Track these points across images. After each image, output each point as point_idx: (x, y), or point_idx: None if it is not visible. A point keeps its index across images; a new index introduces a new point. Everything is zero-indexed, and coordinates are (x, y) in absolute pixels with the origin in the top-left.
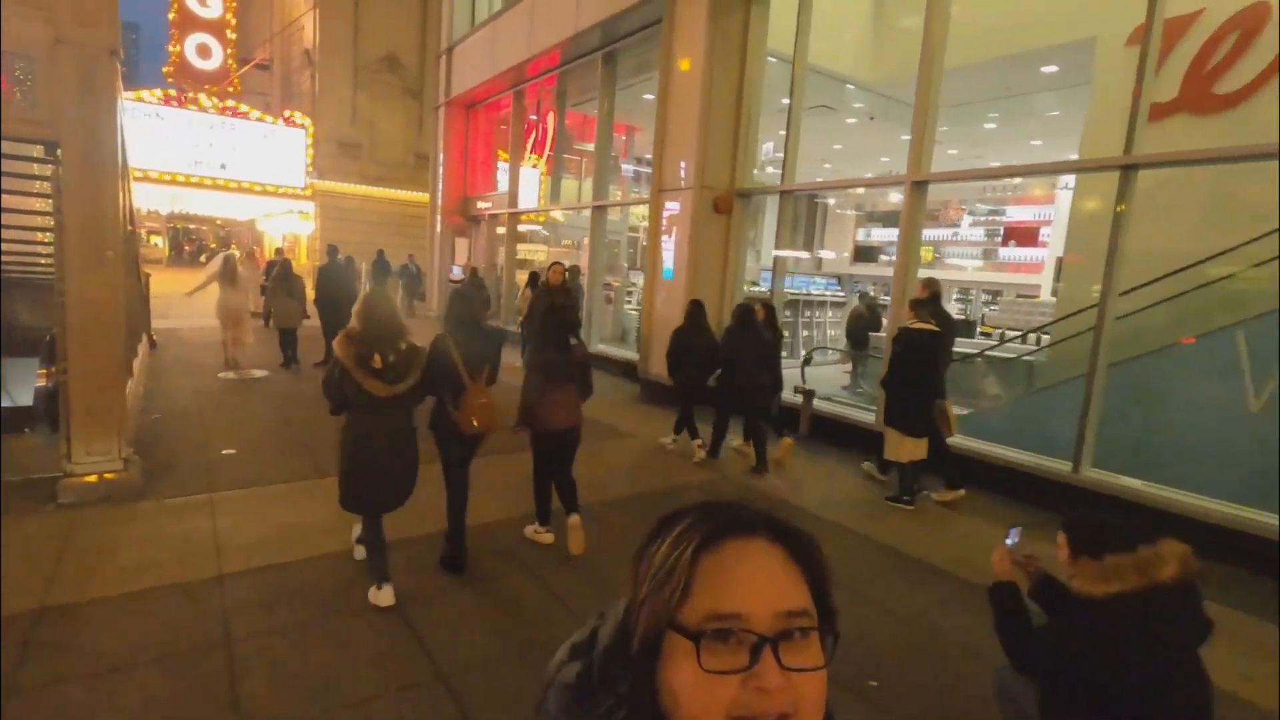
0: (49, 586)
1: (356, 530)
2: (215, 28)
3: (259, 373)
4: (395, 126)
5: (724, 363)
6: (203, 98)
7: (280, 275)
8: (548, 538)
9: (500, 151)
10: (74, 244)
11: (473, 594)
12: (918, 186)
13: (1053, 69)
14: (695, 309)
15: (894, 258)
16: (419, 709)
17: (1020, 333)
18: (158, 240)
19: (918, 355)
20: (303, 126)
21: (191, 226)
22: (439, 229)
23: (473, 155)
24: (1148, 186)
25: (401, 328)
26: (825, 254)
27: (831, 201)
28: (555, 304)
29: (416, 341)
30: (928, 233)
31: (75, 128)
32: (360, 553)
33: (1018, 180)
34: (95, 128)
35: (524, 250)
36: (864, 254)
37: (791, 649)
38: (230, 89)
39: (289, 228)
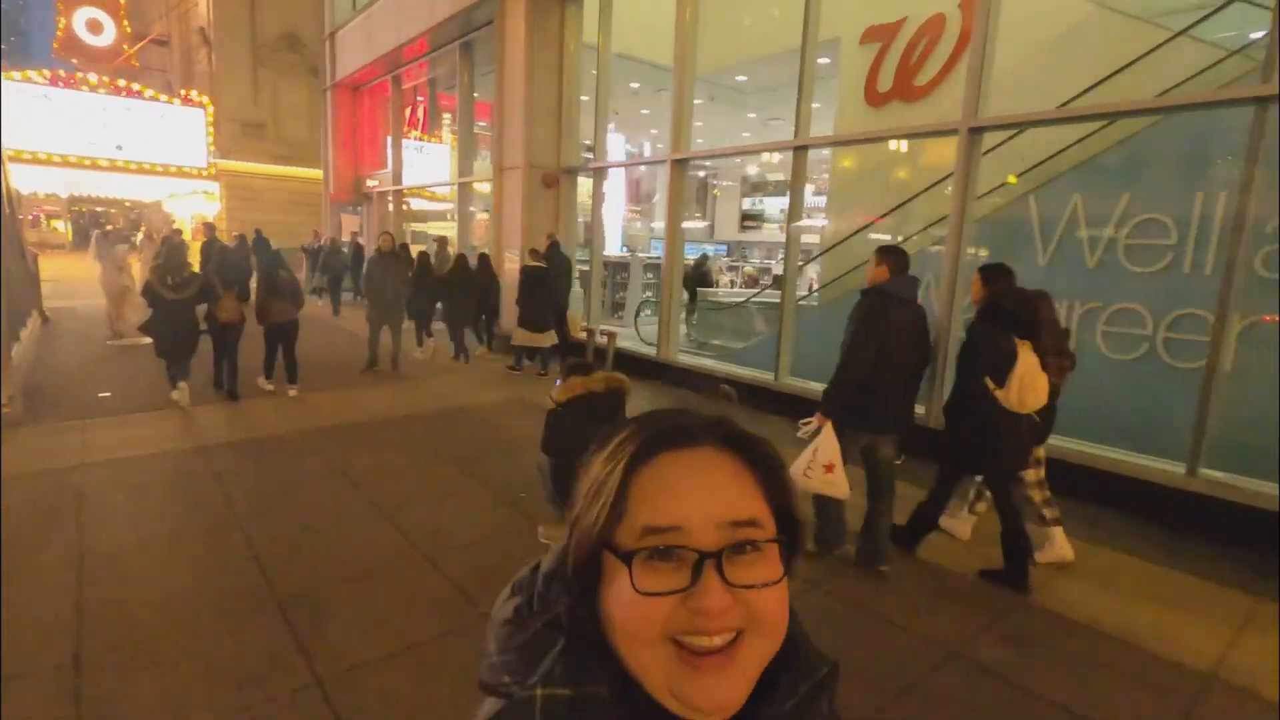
0: None
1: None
2: (106, 2)
3: (147, 340)
4: (300, 105)
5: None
6: (91, 76)
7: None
8: (269, 387)
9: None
10: None
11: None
12: (678, 164)
13: (825, 60)
14: (422, 259)
15: (777, 224)
16: (207, 516)
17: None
18: (59, 224)
19: (530, 282)
20: (201, 106)
21: (99, 209)
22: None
23: (361, 135)
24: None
25: (184, 262)
26: (666, 224)
27: (702, 174)
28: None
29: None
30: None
31: None
32: (181, 395)
33: None
34: None
35: (435, 226)
36: (749, 221)
37: (741, 564)
38: (127, 66)
39: (196, 208)
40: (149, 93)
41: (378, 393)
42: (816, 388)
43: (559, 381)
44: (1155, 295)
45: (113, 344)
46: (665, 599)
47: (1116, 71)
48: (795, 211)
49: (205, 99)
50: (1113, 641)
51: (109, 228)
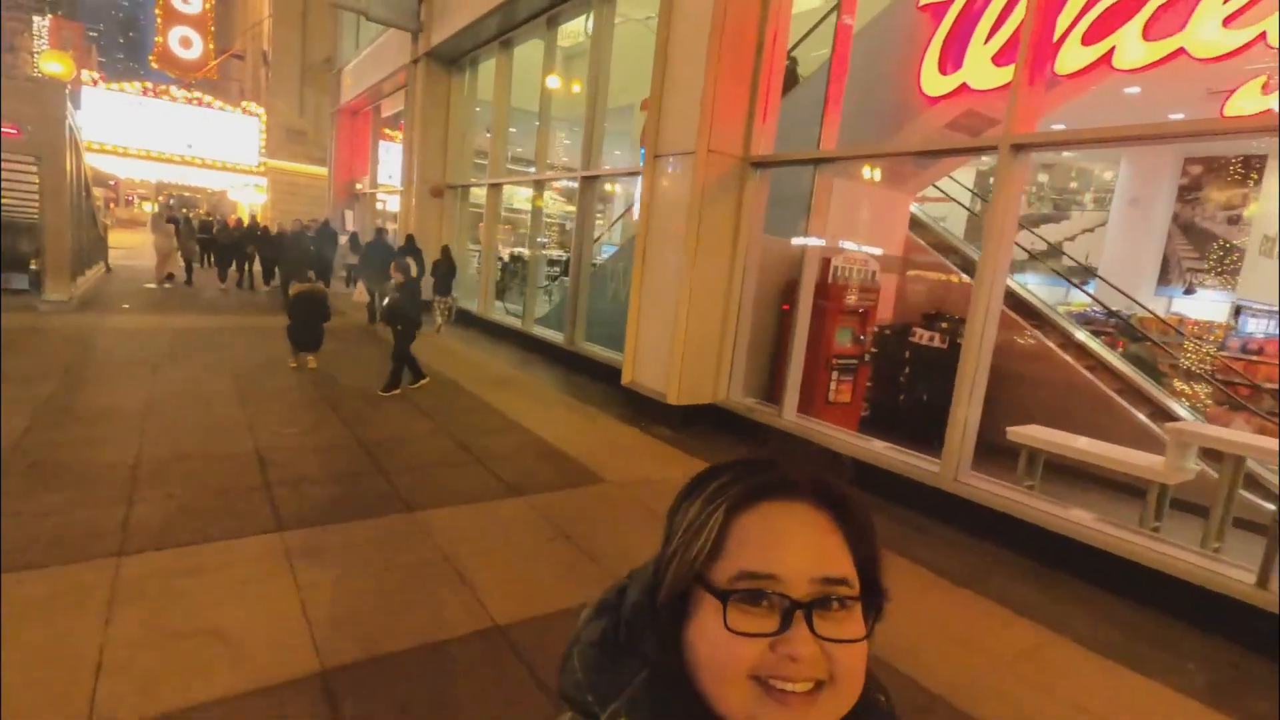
0: (36, 315)
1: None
2: (196, 21)
3: (169, 285)
4: None
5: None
6: (174, 89)
7: (186, 225)
8: (266, 287)
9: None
10: (47, 201)
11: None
12: (494, 187)
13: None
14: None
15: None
16: (156, 349)
17: None
18: (147, 205)
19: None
20: (256, 115)
21: (186, 194)
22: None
23: (355, 149)
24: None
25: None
26: None
27: None
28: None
29: None
30: None
31: (46, 139)
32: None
33: None
34: (56, 140)
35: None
36: None
37: (829, 618)
38: (210, 77)
39: (250, 199)
40: (215, 103)
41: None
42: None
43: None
44: None
45: (149, 286)
46: (754, 640)
47: None
48: (540, 224)
49: (260, 109)
50: (482, 403)
51: (186, 212)
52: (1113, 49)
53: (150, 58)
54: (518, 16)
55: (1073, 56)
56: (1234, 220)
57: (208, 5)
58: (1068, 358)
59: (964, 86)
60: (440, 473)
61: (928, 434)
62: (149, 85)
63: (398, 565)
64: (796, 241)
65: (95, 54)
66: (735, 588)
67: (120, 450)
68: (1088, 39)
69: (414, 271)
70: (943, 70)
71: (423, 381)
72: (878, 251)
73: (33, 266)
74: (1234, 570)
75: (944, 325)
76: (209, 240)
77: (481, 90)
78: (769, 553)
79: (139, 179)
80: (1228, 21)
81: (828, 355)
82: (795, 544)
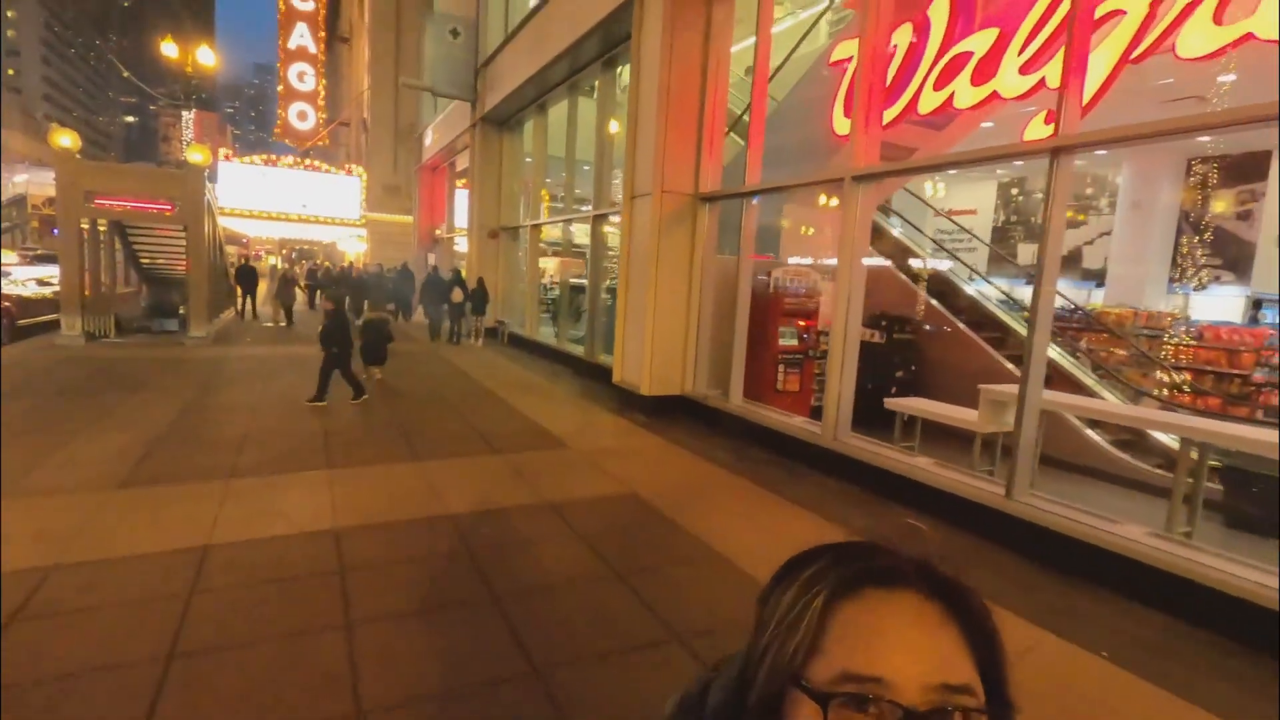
0: (183, 348)
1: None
2: (310, 98)
3: (283, 323)
4: None
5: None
6: (290, 157)
7: (284, 276)
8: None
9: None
10: (192, 261)
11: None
12: (536, 229)
13: None
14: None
15: None
16: (267, 369)
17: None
18: (273, 260)
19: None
20: (357, 176)
21: (304, 247)
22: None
23: (434, 201)
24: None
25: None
26: None
27: None
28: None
29: None
30: None
31: (190, 212)
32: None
33: None
34: (197, 212)
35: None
36: None
37: None
38: (321, 143)
39: (353, 247)
40: (324, 167)
41: None
42: (577, 349)
43: (364, 312)
44: None
45: (267, 325)
46: None
47: None
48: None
49: (361, 170)
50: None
51: (308, 265)
52: (953, 93)
53: (275, 130)
54: (549, 83)
55: (929, 99)
56: (1243, 216)
57: (320, 83)
58: (1000, 358)
59: None
60: (447, 442)
61: (869, 416)
62: (271, 156)
63: (397, 486)
64: (751, 258)
65: (230, 131)
66: (836, 690)
67: (234, 428)
68: (938, 85)
69: (458, 298)
70: (846, 114)
71: (362, 398)
72: (822, 262)
73: (181, 312)
74: (993, 487)
75: (883, 324)
76: (315, 284)
77: (525, 146)
78: (874, 651)
79: (265, 236)
80: (1023, 69)
81: (774, 351)
82: (904, 642)
